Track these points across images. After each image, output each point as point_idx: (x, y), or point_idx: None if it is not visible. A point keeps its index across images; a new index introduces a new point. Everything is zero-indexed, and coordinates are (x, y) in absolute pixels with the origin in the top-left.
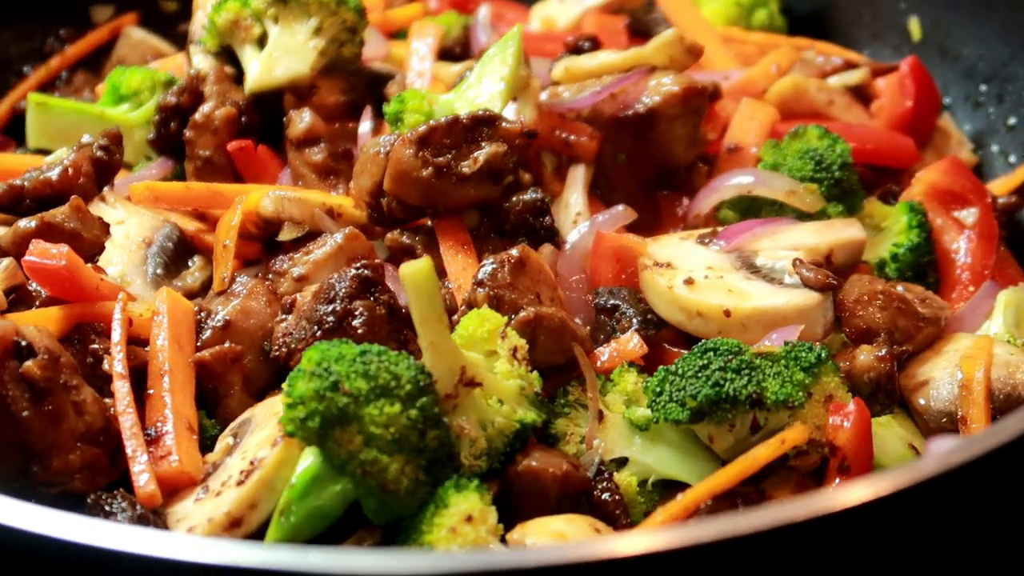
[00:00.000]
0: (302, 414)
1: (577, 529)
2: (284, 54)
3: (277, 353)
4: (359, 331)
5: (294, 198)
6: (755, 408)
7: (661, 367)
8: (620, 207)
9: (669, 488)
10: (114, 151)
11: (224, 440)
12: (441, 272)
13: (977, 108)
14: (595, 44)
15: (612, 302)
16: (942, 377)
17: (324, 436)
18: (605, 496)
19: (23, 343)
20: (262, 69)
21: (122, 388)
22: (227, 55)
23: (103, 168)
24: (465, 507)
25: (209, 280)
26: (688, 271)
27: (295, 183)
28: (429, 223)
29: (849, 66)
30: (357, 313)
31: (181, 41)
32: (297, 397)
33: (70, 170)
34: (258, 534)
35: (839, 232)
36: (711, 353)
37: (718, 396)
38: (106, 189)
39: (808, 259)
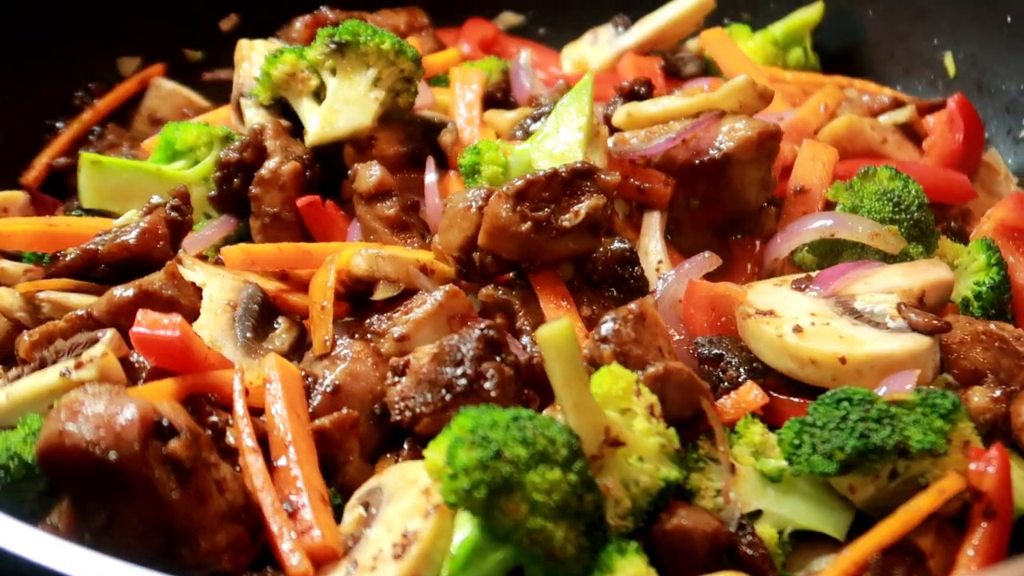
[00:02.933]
0: (466, 485)
1: None
2: (344, 106)
3: (399, 418)
4: (492, 394)
5: (388, 256)
6: (901, 458)
7: (794, 419)
8: (706, 254)
9: (800, 539)
10: (186, 211)
11: (354, 511)
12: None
13: (1019, 143)
14: (650, 88)
15: (715, 351)
16: None
17: (490, 506)
18: (750, 551)
19: (164, 422)
20: (323, 122)
21: (256, 463)
22: (280, 108)
23: (177, 229)
24: (631, 571)
25: (296, 342)
26: (793, 319)
27: (366, 238)
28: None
29: (896, 104)
30: (488, 375)
31: (210, 91)
32: (459, 467)
33: (147, 233)
34: None
35: (928, 273)
36: (846, 403)
37: (865, 447)
38: (181, 251)
39: (903, 301)
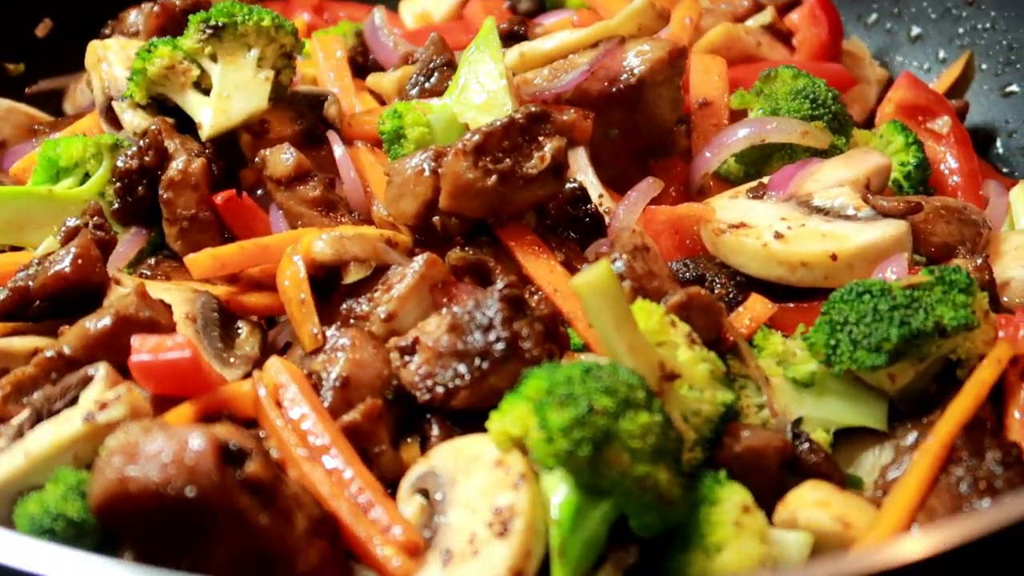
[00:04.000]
0: (567, 445)
1: (827, 493)
2: (235, 91)
3: (428, 397)
4: (534, 352)
5: (353, 236)
6: (941, 338)
7: (820, 320)
8: (649, 179)
9: (840, 438)
10: (108, 228)
11: (411, 500)
12: (525, 280)
13: (873, 26)
14: (525, 27)
15: (697, 273)
16: (1020, 275)
17: (595, 461)
18: (813, 457)
19: (232, 445)
20: (216, 111)
21: (316, 471)
22: (157, 105)
23: (106, 248)
24: (737, 498)
25: (263, 343)
26: (767, 226)
27: (293, 224)
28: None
29: (757, 7)
30: (525, 335)
31: (40, 104)
32: (555, 429)
33: (81, 259)
34: None
35: (866, 161)
36: (868, 296)
37: (909, 333)
38: (114, 271)
39: (854, 191)
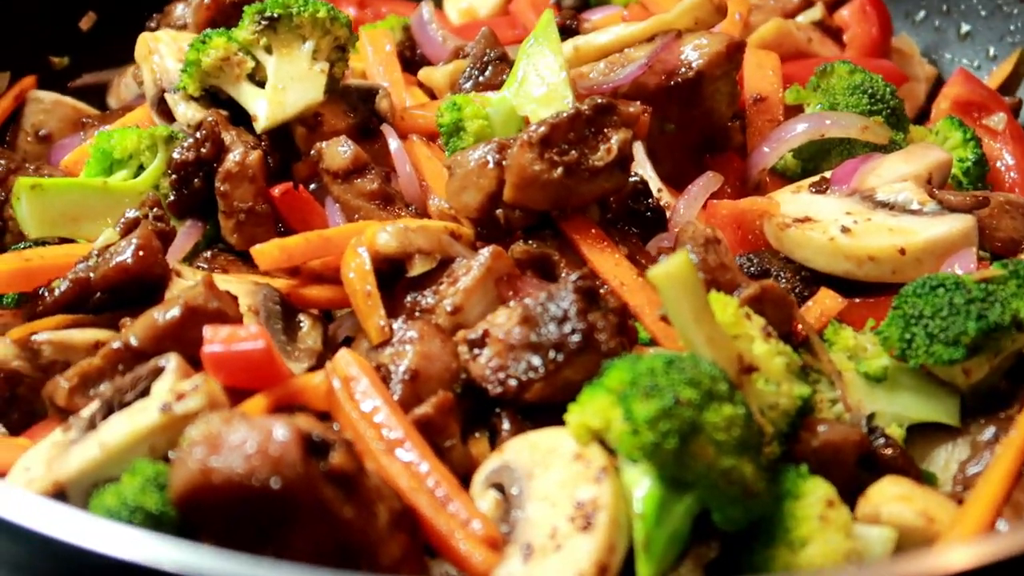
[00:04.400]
0: (654, 437)
1: (909, 488)
2: (290, 83)
3: (499, 390)
4: (610, 344)
5: (417, 228)
6: (1018, 332)
7: (893, 315)
8: (709, 174)
9: (913, 432)
10: (167, 219)
11: (485, 495)
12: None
13: (921, 24)
14: (576, 22)
15: (761, 267)
16: None
17: (681, 454)
18: (889, 451)
19: (315, 436)
20: (272, 103)
21: (394, 463)
22: (209, 98)
23: (165, 240)
24: (821, 492)
25: (324, 337)
26: (833, 220)
27: (350, 218)
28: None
29: (806, 3)
30: (600, 327)
31: (87, 97)
32: (642, 421)
33: (143, 250)
34: None
35: (927, 156)
36: (942, 289)
37: (987, 327)
38: (174, 263)
39: (917, 186)
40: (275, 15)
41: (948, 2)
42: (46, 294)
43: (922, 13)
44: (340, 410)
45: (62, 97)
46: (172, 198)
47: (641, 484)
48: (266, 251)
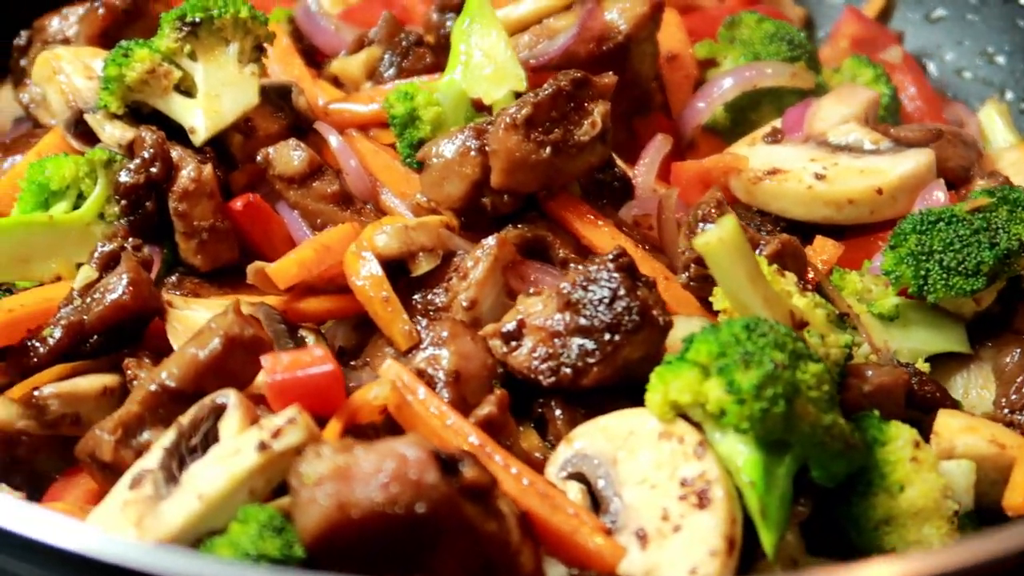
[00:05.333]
0: (763, 404)
1: (969, 419)
2: (223, 89)
3: (552, 379)
4: (664, 318)
5: (417, 225)
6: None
7: (896, 254)
8: (659, 136)
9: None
10: (141, 246)
11: (570, 487)
12: (583, 251)
13: None
14: None
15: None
16: None
17: (789, 416)
18: (928, 387)
19: (442, 455)
20: (209, 112)
21: (499, 471)
22: (132, 114)
23: (149, 270)
24: (906, 435)
25: (330, 350)
26: (802, 169)
27: (313, 223)
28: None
29: None
30: (651, 302)
31: None
32: (747, 391)
33: (136, 285)
34: None
35: (857, 95)
36: (941, 224)
37: (1001, 254)
38: (167, 293)
39: (860, 126)
40: (197, 19)
41: None
42: (37, 345)
43: None
44: (419, 422)
45: None
46: (124, 223)
47: (740, 452)
48: (284, 270)
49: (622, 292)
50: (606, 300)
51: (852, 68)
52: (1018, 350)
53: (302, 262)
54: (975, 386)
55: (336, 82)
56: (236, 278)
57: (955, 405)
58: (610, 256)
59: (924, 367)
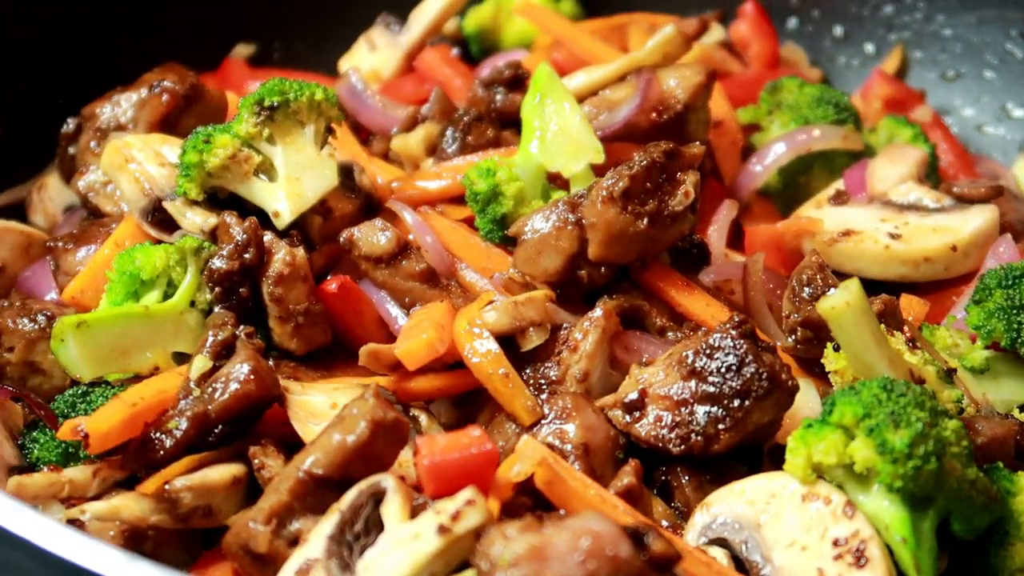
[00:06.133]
0: (916, 463)
1: None
2: (303, 172)
3: (681, 448)
4: (792, 381)
5: (525, 300)
6: None
7: (983, 309)
8: (726, 202)
9: None
10: (253, 332)
11: (718, 552)
12: (679, 319)
13: (794, 32)
14: (517, 73)
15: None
16: None
17: (939, 474)
18: None
19: (629, 530)
20: (291, 196)
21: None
22: (209, 200)
23: (263, 354)
24: None
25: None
26: (875, 229)
27: (401, 302)
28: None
29: (703, 27)
30: (777, 366)
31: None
32: (900, 451)
33: (258, 373)
34: None
35: (907, 154)
36: (1020, 279)
37: None
38: (286, 380)
39: (918, 184)
40: (275, 103)
41: (819, 7)
42: (163, 437)
43: (794, 21)
44: (574, 497)
45: (7, 223)
46: (231, 313)
47: (886, 510)
48: (415, 350)
49: (749, 358)
50: (734, 367)
51: (890, 128)
52: None
53: (431, 343)
54: None
55: (386, 158)
56: (330, 360)
57: None
58: (731, 324)
59: (1022, 417)
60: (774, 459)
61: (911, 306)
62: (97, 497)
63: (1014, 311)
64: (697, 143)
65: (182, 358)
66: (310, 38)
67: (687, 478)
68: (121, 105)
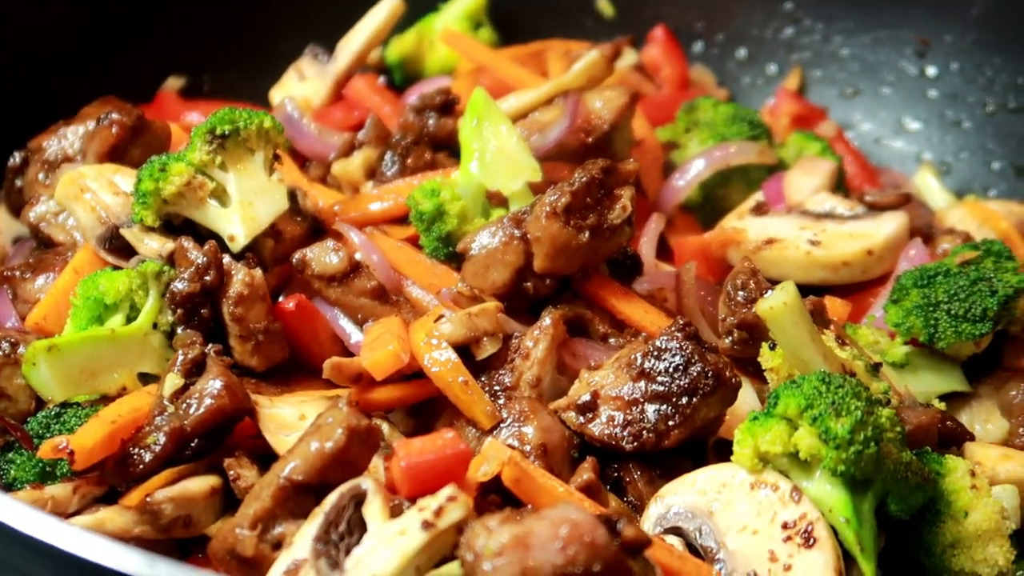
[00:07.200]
0: (857, 448)
1: (999, 449)
2: (255, 197)
3: (633, 444)
4: (735, 378)
5: (478, 311)
6: (1019, 298)
7: (899, 307)
8: (654, 215)
9: None
10: (221, 350)
11: (674, 540)
12: (619, 325)
13: (700, 56)
14: (447, 99)
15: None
16: None
17: (878, 458)
18: (950, 423)
19: (603, 518)
20: (245, 220)
21: None
22: (164, 226)
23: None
24: (963, 465)
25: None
26: (796, 237)
27: (354, 319)
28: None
29: (616, 52)
30: (721, 365)
31: None
32: (843, 437)
33: (230, 388)
34: None
35: (818, 167)
36: (940, 277)
37: (1002, 301)
38: (255, 395)
39: (830, 194)
40: (226, 131)
41: (723, 31)
42: (142, 452)
43: (700, 44)
44: (543, 492)
45: None
46: (182, 331)
47: (829, 494)
48: (382, 361)
49: (695, 358)
50: (681, 367)
51: (798, 143)
52: (1022, 385)
53: (396, 354)
54: (978, 420)
55: (324, 183)
56: (287, 376)
57: (972, 438)
58: (675, 327)
59: (941, 406)
60: (719, 453)
61: (834, 307)
62: (77, 513)
63: (930, 308)
64: (631, 160)
65: (147, 378)
66: (240, 69)
67: (639, 473)
68: (68, 137)
